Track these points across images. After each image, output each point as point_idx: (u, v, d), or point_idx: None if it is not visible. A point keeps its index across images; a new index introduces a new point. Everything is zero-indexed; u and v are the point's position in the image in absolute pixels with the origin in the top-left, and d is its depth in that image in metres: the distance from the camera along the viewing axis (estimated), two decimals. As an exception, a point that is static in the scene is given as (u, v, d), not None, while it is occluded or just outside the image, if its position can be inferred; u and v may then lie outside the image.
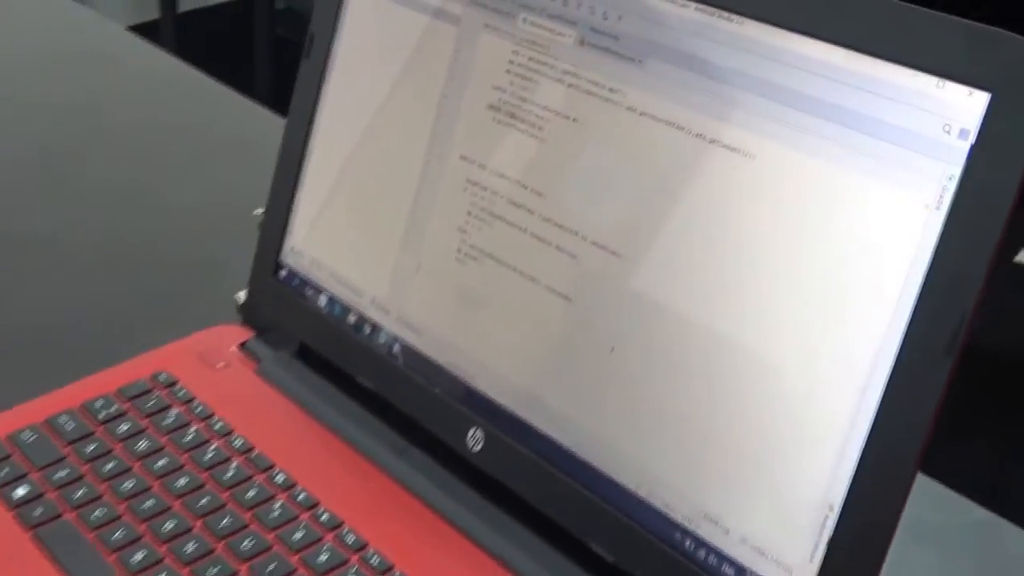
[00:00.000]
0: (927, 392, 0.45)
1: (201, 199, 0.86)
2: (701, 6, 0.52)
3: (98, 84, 1.03)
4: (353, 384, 0.63)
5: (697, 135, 0.51)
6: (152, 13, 2.59)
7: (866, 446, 0.46)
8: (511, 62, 0.58)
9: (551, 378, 0.55)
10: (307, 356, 0.66)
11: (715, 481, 0.50)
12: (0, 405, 0.65)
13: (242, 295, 0.73)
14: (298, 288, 0.67)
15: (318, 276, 0.66)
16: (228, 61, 1.98)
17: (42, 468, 0.59)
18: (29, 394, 0.66)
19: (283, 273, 0.68)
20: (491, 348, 0.58)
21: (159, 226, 0.83)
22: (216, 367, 0.66)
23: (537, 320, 0.56)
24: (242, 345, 0.68)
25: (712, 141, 0.51)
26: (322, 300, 0.65)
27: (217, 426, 0.62)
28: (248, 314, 0.70)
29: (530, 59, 0.57)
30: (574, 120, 0.55)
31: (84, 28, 1.15)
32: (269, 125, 0.96)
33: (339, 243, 0.65)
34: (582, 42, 0.55)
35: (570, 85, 0.56)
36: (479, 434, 0.58)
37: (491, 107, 0.58)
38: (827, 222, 0.48)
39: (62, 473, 0.59)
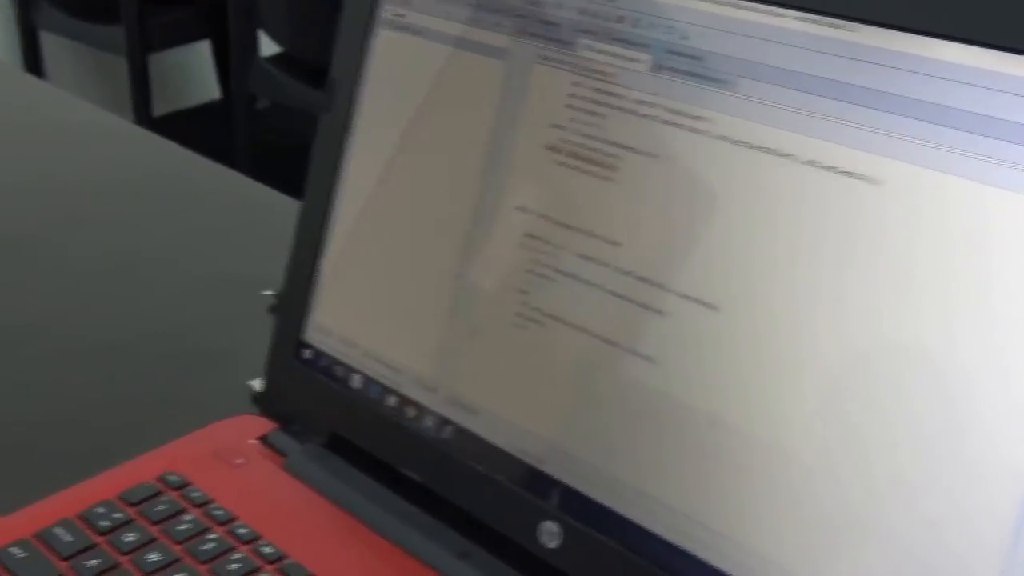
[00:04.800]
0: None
1: (200, 283, 0.79)
2: (802, 14, 0.45)
3: (80, 164, 0.96)
4: (397, 477, 0.56)
5: (807, 162, 0.45)
6: (126, 117, 2.55)
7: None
8: (572, 96, 0.51)
9: (639, 457, 0.48)
10: (340, 447, 0.58)
11: None
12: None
13: (257, 383, 0.65)
14: (326, 371, 0.59)
15: (349, 356, 0.58)
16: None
17: (35, 589, 0.51)
18: (16, 502, 0.58)
19: (307, 355, 0.60)
20: (563, 426, 0.50)
21: (155, 313, 0.76)
22: (234, 464, 0.58)
23: (618, 389, 0.48)
24: (263, 438, 0.60)
25: (828, 168, 0.44)
26: (355, 382, 0.58)
27: (241, 531, 0.53)
28: (267, 403, 0.62)
29: (595, 91, 0.51)
30: (653, 156, 0.49)
31: (52, 107, 1.09)
32: (270, 202, 0.89)
33: (373, 317, 0.58)
34: (657, 67, 0.49)
35: (645, 116, 0.49)
36: (555, 527, 0.50)
37: (550, 148, 0.52)
38: (979, 251, 0.41)
39: (60, 594, 0.51)
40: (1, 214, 0.88)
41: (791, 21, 0.46)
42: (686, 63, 0.48)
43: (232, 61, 2.32)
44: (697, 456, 0.46)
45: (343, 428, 0.58)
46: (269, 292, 0.75)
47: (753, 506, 0.45)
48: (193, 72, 2.99)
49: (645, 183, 0.49)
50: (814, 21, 0.45)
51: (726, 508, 0.45)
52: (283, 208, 0.88)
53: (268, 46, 2.29)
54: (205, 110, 2.90)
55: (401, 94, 0.58)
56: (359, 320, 0.58)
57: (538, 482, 0.51)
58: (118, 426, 0.65)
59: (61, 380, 0.69)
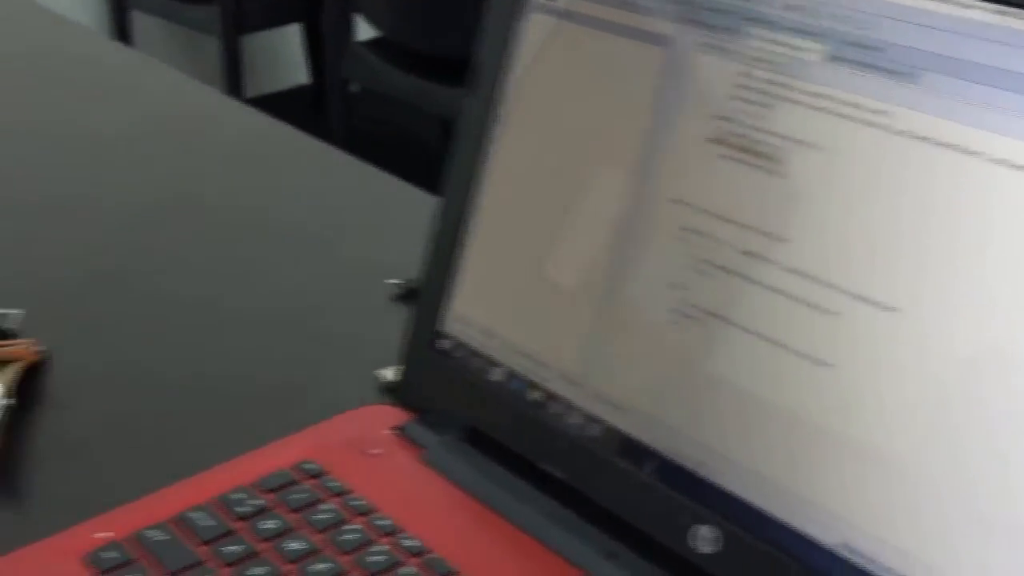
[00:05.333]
0: None
1: (322, 269, 0.78)
2: (996, 6, 0.44)
3: (206, 144, 0.96)
4: (538, 472, 0.55)
5: (997, 161, 0.43)
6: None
7: None
8: (739, 86, 0.50)
9: (807, 465, 0.46)
10: (478, 440, 0.57)
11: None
12: (112, 499, 0.57)
13: (387, 372, 0.65)
14: (464, 362, 0.58)
15: (490, 347, 0.57)
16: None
17: (176, 573, 0.50)
18: (144, 486, 0.58)
19: (445, 345, 0.59)
20: (721, 428, 0.49)
21: (278, 299, 0.75)
22: (370, 454, 0.58)
23: (784, 393, 0.47)
24: (398, 428, 0.59)
25: (1021, 168, 0.42)
26: (496, 375, 0.57)
27: (381, 523, 0.53)
28: (402, 393, 0.61)
29: (764, 82, 0.49)
30: (825, 150, 0.47)
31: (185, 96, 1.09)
32: (390, 190, 0.89)
33: (516, 308, 0.57)
34: (833, 57, 0.47)
35: (818, 109, 0.47)
36: (711, 532, 0.48)
37: (713, 140, 0.50)
38: None
39: (201, 579, 0.50)
40: (131, 199, 0.89)
41: (983, 13, 0.44)
42: (865, 54, 0.46)
43: (327, 45, 2.33)
44: (874, 467, 0.44)
45: (482, 421, 0.57)
46: (395, 281, 0.74)
47: (935, 520, 0.43)
48: (281, 56, 3.00)
49: (817, 178, 0.47)
50: (1009, 14, 0.43)
51: (907, 522, 0.44)
52: (404, 196, 0.88)
53: (363, 31, 2.29)
54: (294, 94, 2.92)
55: (551, 80, 0.57)
56: (501, 311, 0.57)
57: (692, 484, 0.49)
58: (244, 412, 0.65)
59: (189, 365, 0.69)
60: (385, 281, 0.75)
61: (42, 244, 0.82)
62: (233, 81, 2.57)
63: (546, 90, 0.57)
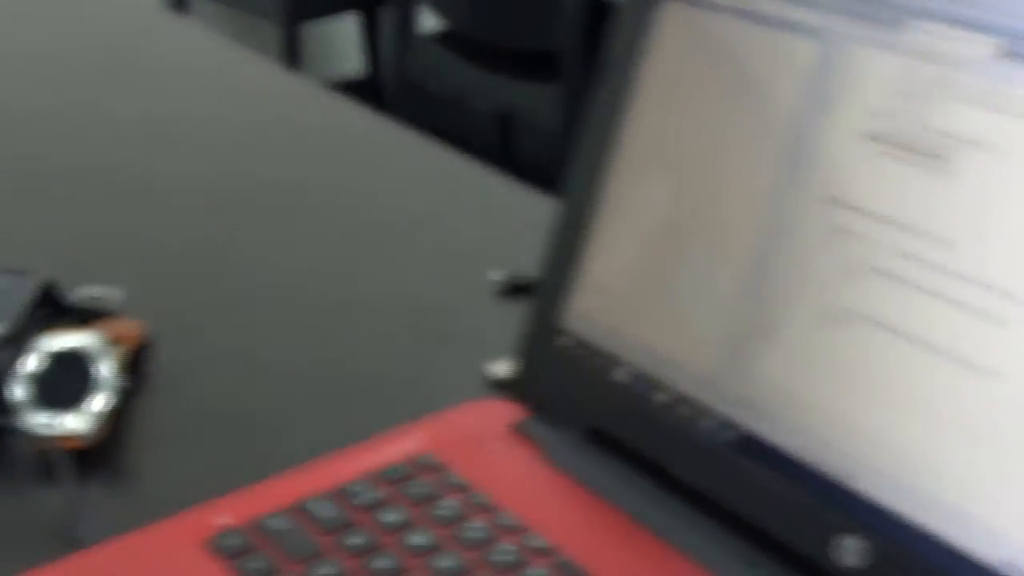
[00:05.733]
0: None
1: (418, 262, 0.77)
2: None
3: (306, 131, 0.96)
4: (668, 474, 0.53)
5: None
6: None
7: None
8: (901, 81, 0.48)
9: (971, 475, 0.44)
10: (600, 439, 0.56)
11: None
12: (222, 485, 0.56)
13: (497, 367, 0.63)
14: (586, 360, 0.57)
15: (615, 346, 0.56)
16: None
17: (300, 562, 0.49)
18: (254, 473, 0.57)
19: (565, 342, 0.58)
20: (874, 437, 0.47)
21: (375, 293, 0.74)
22: (488, 450, 0.56)
23: (945, 402, 0.45)
24: (516, 425, 0.58)
25: None
26: (621, 375, 0.55)
27: (506, 521, 0.51)
28: (519, 389, 0.59)
29: (930, 78, 0.47)
30: (997, 150, 0.45)
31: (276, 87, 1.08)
32: (481, 182, 0.88)
33: (644, 306, 0.55)
34: (1007, 53, 0.45)
35: (990, 107, 0.45)
36: (858, 545, 0.47)
37: (871, 137, 0.49)
38: None
39: (326, 567, 0.49)
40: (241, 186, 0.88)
41: None
42: (1043, 53, 0.45)
43: (386, 36, 2.32)
44: (1043, 480, 0.43)
45: (604, 421, 0.56)
46: (497, 274, 0.73)
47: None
48: (335, 45, 3.00)
49: (986, 179, 0.45)
50: None
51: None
52: (495, 187, 0.87)
53: (423, 23, 2.28)
54: (349, 86, 2.91)
55: (689, 72, 0.55)
56: (627, 309, 0.56)
57: (838, 494, 0.48)
58: (347, 402, 0.64)
59: (291, 353, 0.68)
60: (488, 275, 0.74)
61: (137, 228, 0.81)
62: (291, 69, 2.57)
63: (682, 81, 0.55)
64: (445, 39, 2.22)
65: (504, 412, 0.59)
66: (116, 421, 0.60)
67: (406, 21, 2.25)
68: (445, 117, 2.67)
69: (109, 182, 0.86)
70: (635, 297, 0.56)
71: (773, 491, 0.49)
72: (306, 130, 0.96)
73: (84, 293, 0.66)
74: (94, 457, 0.58)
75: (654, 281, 0.55)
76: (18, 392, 0.58)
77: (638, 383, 0.55)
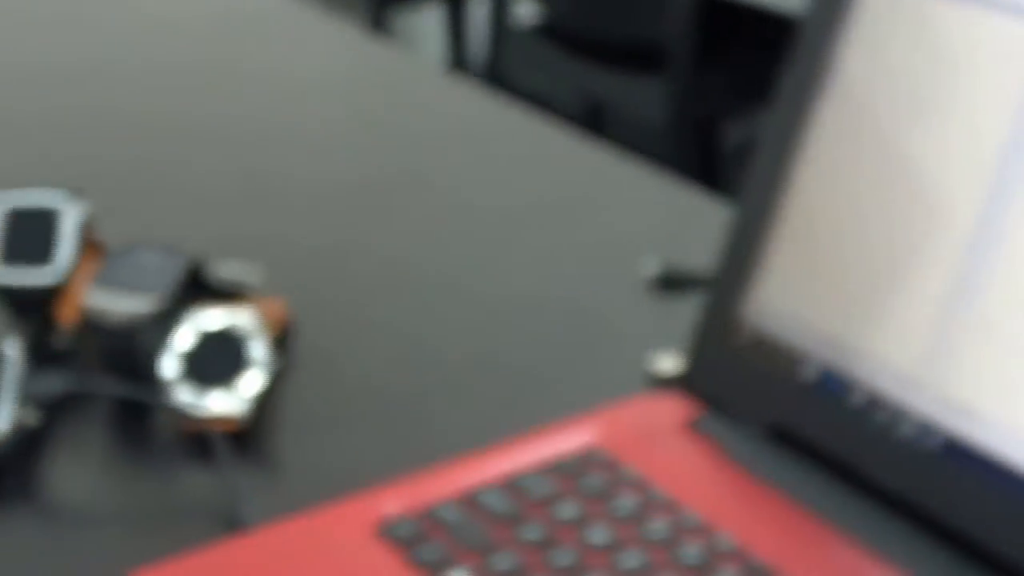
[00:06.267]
0: None
1: (562, 251, 0.78)
2: None
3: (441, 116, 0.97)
4: (856, 474, 0.53)
5: None
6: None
7: None
8: None
9: None
10: (781, 437, 0.56)
11: None
12: (377, 473, 0.57)
13: (662, 362, 0.64)
14: (768, 356, 0.57)
15: (802, 340, 0.56)
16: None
17: (476, 553, 0.50)
18: (411, 460, 0.58)
19: (744, 336, 0.58)
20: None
21: (522, 283, 0.75)
22: (663, 446, 0.57)
23: None
24: (691, 421, 0.58)
25: None
26: (807, 372, 0.56)
27: (690, 520, 0.52)
28: (692, 384, 0.60)
29: None
30: None
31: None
32: (617, 169, 0.89)
33: (837, 298, 0.55)
34: None
35: None
36: (1083, 556, 0.47)
37: (1099, 125, 0.49)
38: None
39: (504, 561, 0.50)
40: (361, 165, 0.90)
41: None
42: None
43: (468, 27, 2.34)
44: None
45: (787, 419, 0.56)
46: (650, 267, 0.73)
47: None
48: (418, 37, 3.03)
49: None
50: None
51: None
52: (630, 175, 0.88)
53: (517, 14, 2.30)
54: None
55: (895, 56, 0.55)
56: (817, 302, 0.56)
57: (1058, 503, 0.48)
58: (501, 392, 0.65)
59: (440, 341, 0.69)
60: (641, 268, 0.74)
61: (277, 220, 0.83)
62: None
63: (883, 68, 0.56)
64: (541, 31, 2.24)
65: (676, 407, 0.59)
66: (265, 403, 0.62)
67: (500, 12, 2.27)
68: (531, 110, 2.68)
69: (250, 180, 0.88)
70: (825, 288, 0.56)
71: (983, 498, 0.50)
72: (445, 120, 0.98)
73: (227, 272, 0.68)
74: (246, 439, 0.60)
75: (849, 271, 0.55)
76: (169, 370, 0.60)
77: (828, 380, 0.55)
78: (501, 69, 2.35)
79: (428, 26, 2.94)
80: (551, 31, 2.20)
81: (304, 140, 0.92)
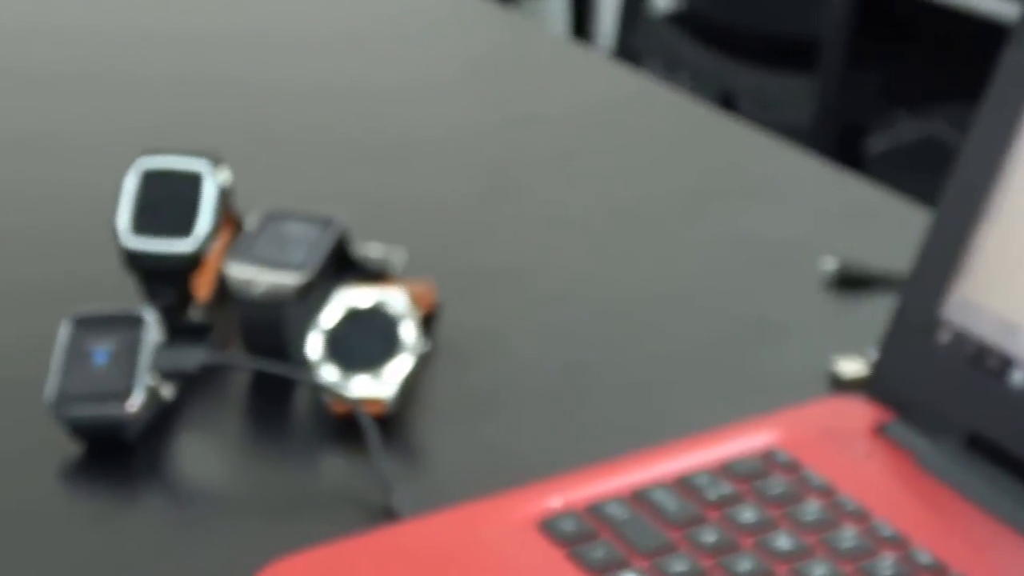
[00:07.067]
0: None
1: (732, 245, 0.79)
2: None
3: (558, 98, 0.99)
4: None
5: None
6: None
7: None
8: None
9: None
10: (980, 447, 0.57)
11: None
12: (539, 465, 0.58)
13: (846, 364, 0.65)
14: (971, 359, 0.57)
15: (1011, 343, 0.56)
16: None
17: (647, 555, 0.51)
18: (568, 454, 0.59)
19: (943, 338, 0.58)
20: None
21: (693, 278, 0.76)
22: (850, 452, 0.57)
23: None
24: (879, 426, 0.59)
25: None
26: (1016, 378, 0.56)
27: (883, 531, 0.52)
28: (878, 387, 0.60)
29: None
30: None
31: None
32: (784, 160, 0.89)
33: (1050, 298, 0.56)
34: None
35: None
36: None
37: None
38: None
39: (678, 564, 0.51)
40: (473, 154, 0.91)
41: None
42: None
43: (596, 14, 2.35)
44: None
45: (990, 429, 0.56)
46: (830, 264, 0.74)
47: None
48: (541, 20, 3.05)
49: None
50: None
51: None
52: (797, 166, 0.89)
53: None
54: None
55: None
56: (1026, 302, 0.57)
57: None
58: (673, 389, 0.66)
59: (608, 332, 0.70)
60: (819, 265, 0.75)
61: (417, 185, 0.85)
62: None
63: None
64: (676, 19, 2.25)
65: (862, 411, 0.60)
66: (411, 388, 0.63)
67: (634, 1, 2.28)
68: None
69: (386, 149, 0.90)
70: (1035, 289, 0.56)
71: None
72: (592, 101, 0.99)
73: (371, 249, 0.70)
74: (391, 425, 0.62)
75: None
76: (314, 348, 0.61)
77: (1035, 388, 0.56)
78: (629, 57, 2.36)
79: (554, 9, 2.97)
80: (687, 20, 2.21)
81: (442, 117, 0.94)
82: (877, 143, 2.14)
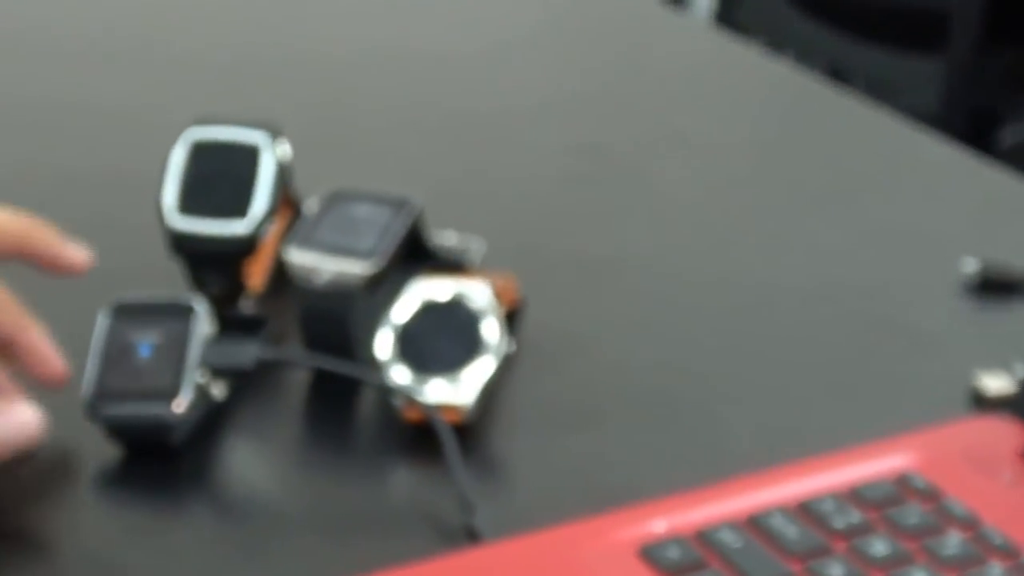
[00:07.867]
0: None
1: (859, 241, 0.78)
2: None
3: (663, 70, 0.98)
4: None
5: None
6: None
7: None
8: None
9: None
10: None
11: None
12: (638, 484, 0.57)
13: (990, 380, 0.64)
14: None
15: None
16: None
17: (765, 590, 0.50)
18: (669, 474, 0.59)
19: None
20: None
21: (814, 277, 0.75)
22: (996, 479, 0.57)
23: None
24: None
25: None
26: None
27: (1034, 567, 0.51)
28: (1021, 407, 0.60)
29: None
30: None
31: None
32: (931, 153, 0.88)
33: None
34: None
35: None
36: None
37: None
38: None
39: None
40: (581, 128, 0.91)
41: None
42: None
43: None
44: None
45: None
46: (971, 266, 0.73)
47: None
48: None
49: None
50: None
51: None
52: (938, 156, 0.88)
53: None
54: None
55: None
56: None
57: None
58: (792, 401, 0.65)
59: (718, 337, 0.70)
60: (959, 266, 0.74)
61: (495, 165, 0.85)
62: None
63: None
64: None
65: (1010, 434, 0.60)
66: (493, 394, 0.63)
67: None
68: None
69: (466, 117, 0.90)
70: None
71: None
72: (708, 75, 0.99)
73: (446, 238, 0.69)
74: (470, 435, 0.61)
75: None
76: (384, 346, 0.61)
77: None
78: (729, 28, 2.36)
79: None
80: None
81: (523, 88, 0.94)
82: (1012, 134, 2.12)
